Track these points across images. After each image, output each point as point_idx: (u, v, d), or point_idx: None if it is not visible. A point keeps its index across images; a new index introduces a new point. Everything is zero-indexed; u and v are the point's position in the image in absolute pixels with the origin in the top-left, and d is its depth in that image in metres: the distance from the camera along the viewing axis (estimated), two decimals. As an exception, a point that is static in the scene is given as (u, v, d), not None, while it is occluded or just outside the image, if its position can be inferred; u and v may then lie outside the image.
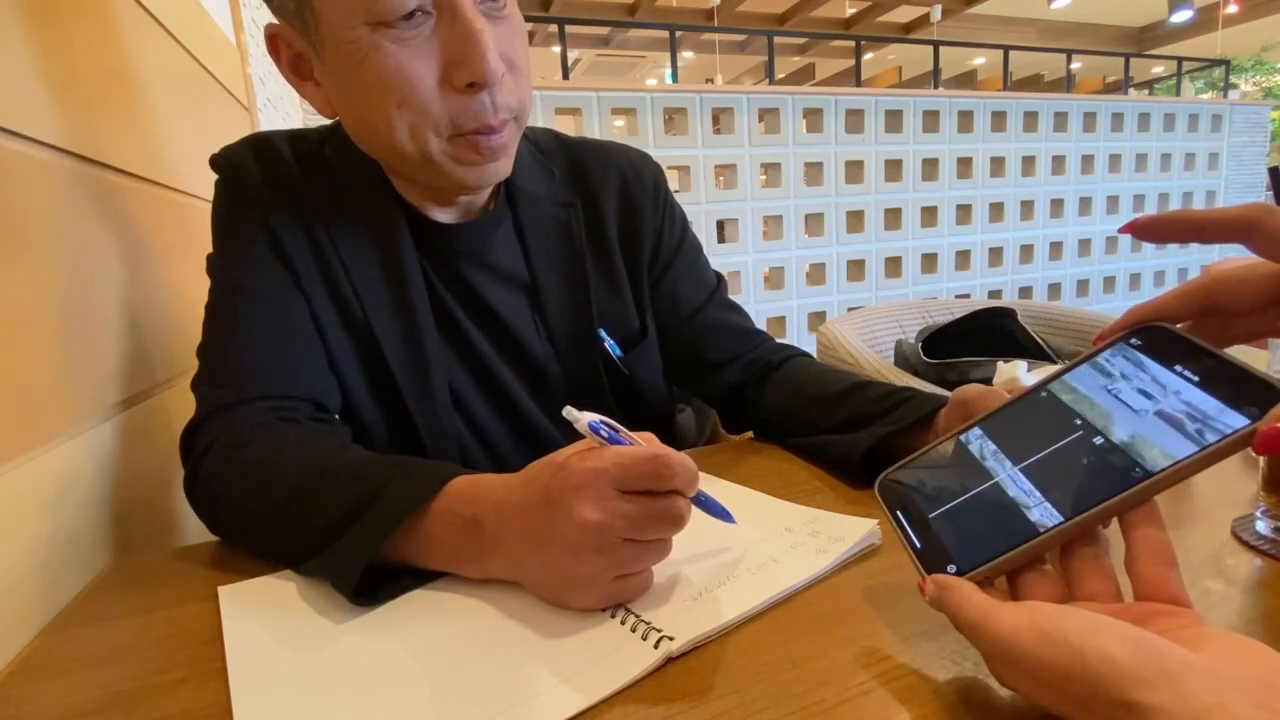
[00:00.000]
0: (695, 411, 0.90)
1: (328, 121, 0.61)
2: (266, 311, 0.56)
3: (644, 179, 0.69)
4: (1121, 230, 0.33)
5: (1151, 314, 0.33)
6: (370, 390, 0.60)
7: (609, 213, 0.67)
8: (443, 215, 0.61)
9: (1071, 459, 0.31)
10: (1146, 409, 0.30)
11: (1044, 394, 0.35)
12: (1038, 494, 0.31)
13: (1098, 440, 0.31)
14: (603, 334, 0.66)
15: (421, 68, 0.49)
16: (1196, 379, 0.29)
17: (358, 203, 0.59)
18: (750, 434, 0.71)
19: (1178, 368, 0.30)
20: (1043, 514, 0.30)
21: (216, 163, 0.60)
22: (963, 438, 0.37)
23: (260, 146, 0.60)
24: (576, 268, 0.65)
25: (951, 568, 0.31)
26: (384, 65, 0.49)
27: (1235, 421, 0.27)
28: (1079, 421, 0.32)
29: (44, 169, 0.54)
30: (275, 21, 0.53)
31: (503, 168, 0.56)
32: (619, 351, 0.67)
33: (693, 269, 0.73)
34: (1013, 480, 0.32)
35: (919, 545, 0.33)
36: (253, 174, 0.58)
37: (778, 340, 0.74)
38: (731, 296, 0.77)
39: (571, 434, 0.37)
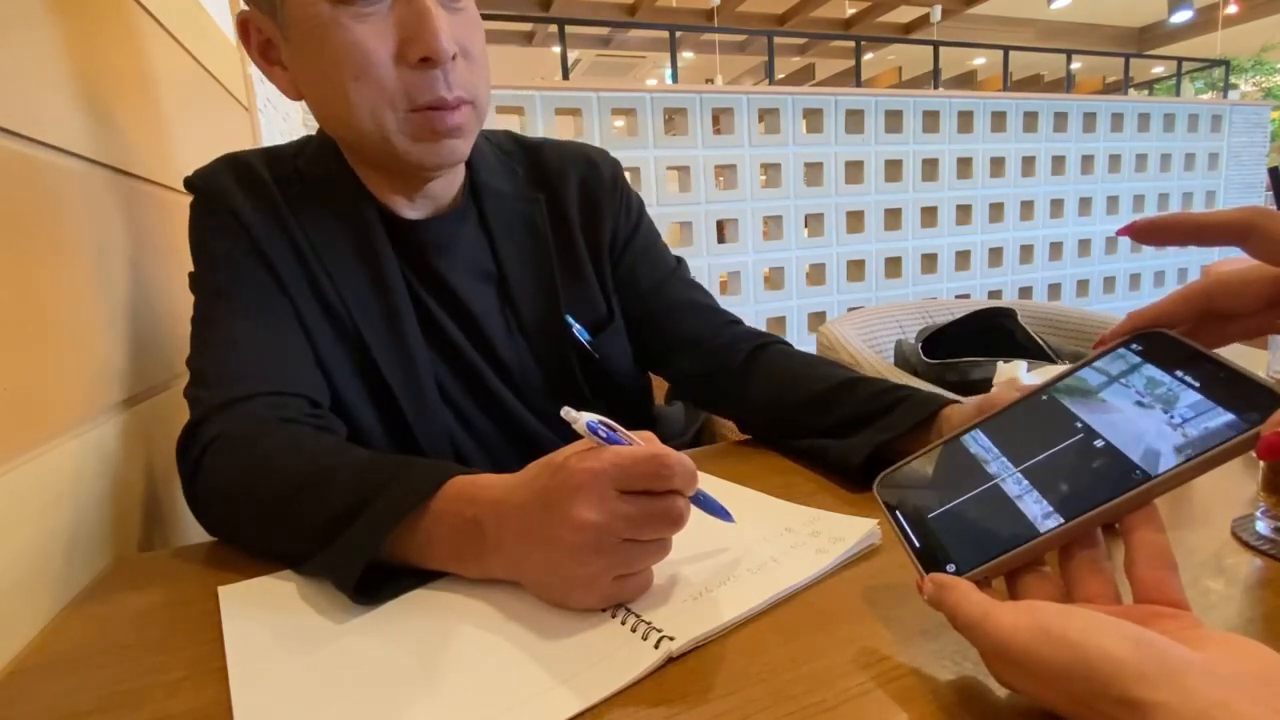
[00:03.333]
0: (684, 403, 0.90)
1: (299, 139, 0.65)
2: (254, 315, 0.57)
3: (602, 172, 0.71)
4: (1119, 233, 0.33)
5: (1151, 319, 0.33)
6: (362, 390, 0.61)
7: (570, 205, 0.69)
8: (411, 211, 0.63)
9: (1072, 461, 0.31)
10: (1147, 413, 0.30)
11: (1045, 397, 0.35)
12: (1038, 495, 0.31)
13: (1098, 443, 0.31)
14: (570, 320, 0.67)
15: (377, 44, 0.52)
16: (1197, 384, 0.29)
17: (333, 208, 0.61)
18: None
19: (1178, 373, 0.30)
20: (1043, 515, 0.30)
21: (192, 184, 0.61)
22: (963, 439, 0.37)
23: (235, 165, 0.61)
24: (542, 259, 0.67)
25: (950, 567, 0.31)
26: (342, 39, 0.51)
27: (1236, 427, 0.27)
28: (1079, 424, 0.32)
29: (48, 170, 0.54)
30: (246, 8, 0.56)
31: (459, 149, 0.57)
32: (587, 336, 0.68)
33: (650, 251, 0.74)
34: (1013, 482, 0.32)
35: (917, 544, 0.33)
36: (230, 191, 0.59)
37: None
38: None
39: (561, 427, 0.37)
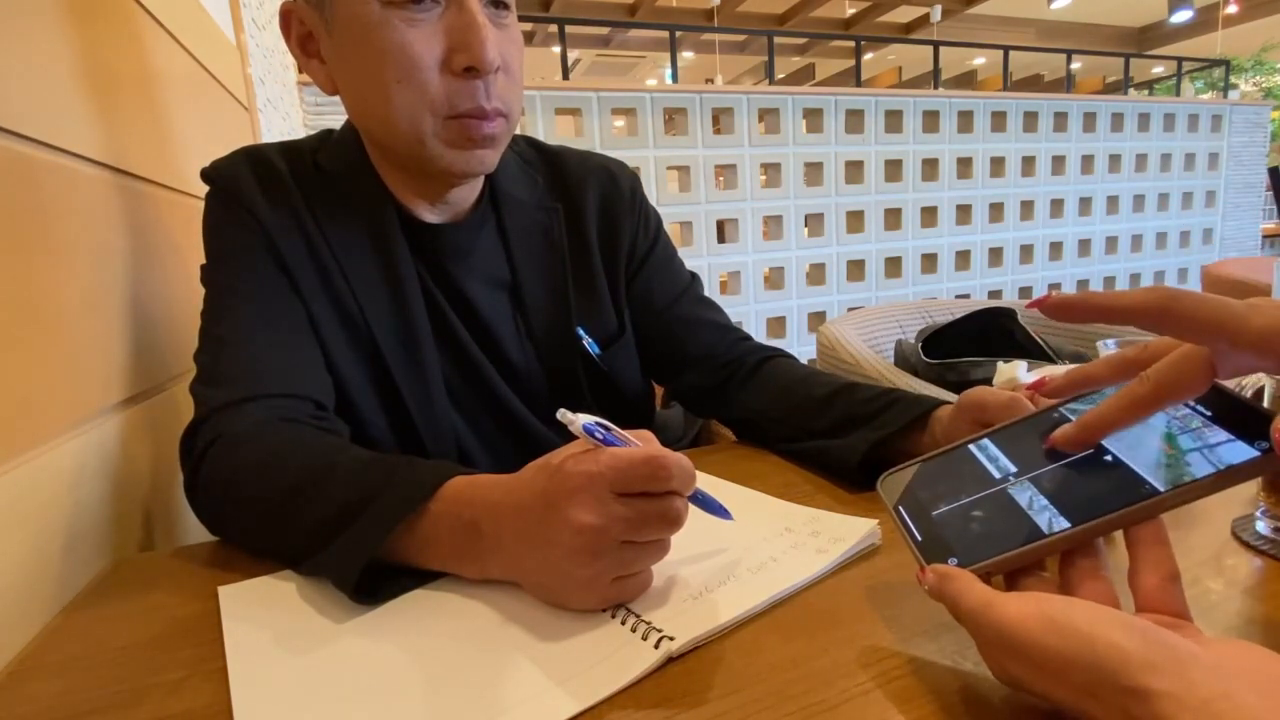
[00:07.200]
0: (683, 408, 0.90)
1: (317, 132, 0.65)
2: (265, 314, 0.57)
3: (621, 185, 0.72)
4: (1029, 306, 0.33)
5: (1084, 380, 0.34)
6: (370, 389, 0.61)
7: (589, 217, 0.69)
8: (431, 215, 0.63)
9: (1081, 473, 0.32)
10: (1159, 435, 0.31)
11: (1056, 414, 0.35)
12: (1045, 501, 0.31)
13: (1108, 459, 0.31)
14: (581, 333, 0.68)
15: (424, 49, 0.52)
16: (1209, 412, 0.30)
17: (352, 206, 0.61)
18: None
19: (1190, 400, 0.31)
20: (1049, 520, 0.30)
21: (209, 175, 0.60)
22: (970, 447, 0.37)
23: (253, 158, 0.61)
24: (557, 269, 0.67)
25: (953, 560, 0.31)
26: (389, 40, 0.52)
27: (1244, 452, 0.27)
28: None
29: (48, 170, 0.54)
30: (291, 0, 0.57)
31: (489, 159, 0.58)
32: (597, 349, 0.69)
33: (666, 267, 0.75)
34: (1021, 488, 0.33)
35: (919, 538, 0.34)
36: (248, 185, 0.59)
37: (770, 342, 0.75)
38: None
39: (565, 432, 0.37)
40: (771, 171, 2.97)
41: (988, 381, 0.61)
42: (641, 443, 0.37)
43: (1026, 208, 3.51)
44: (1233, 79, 8.21)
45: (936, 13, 8.85)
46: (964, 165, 3.31)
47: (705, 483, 0.43)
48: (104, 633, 0.41)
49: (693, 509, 0.38)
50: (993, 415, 0.44)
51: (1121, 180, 3.71)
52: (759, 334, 2.95)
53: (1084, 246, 3.68)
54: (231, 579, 0.45)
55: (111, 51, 0.69)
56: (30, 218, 0.51)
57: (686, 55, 10.16)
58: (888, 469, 0.39)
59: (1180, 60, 5.76)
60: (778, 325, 3.04)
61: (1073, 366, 0.34)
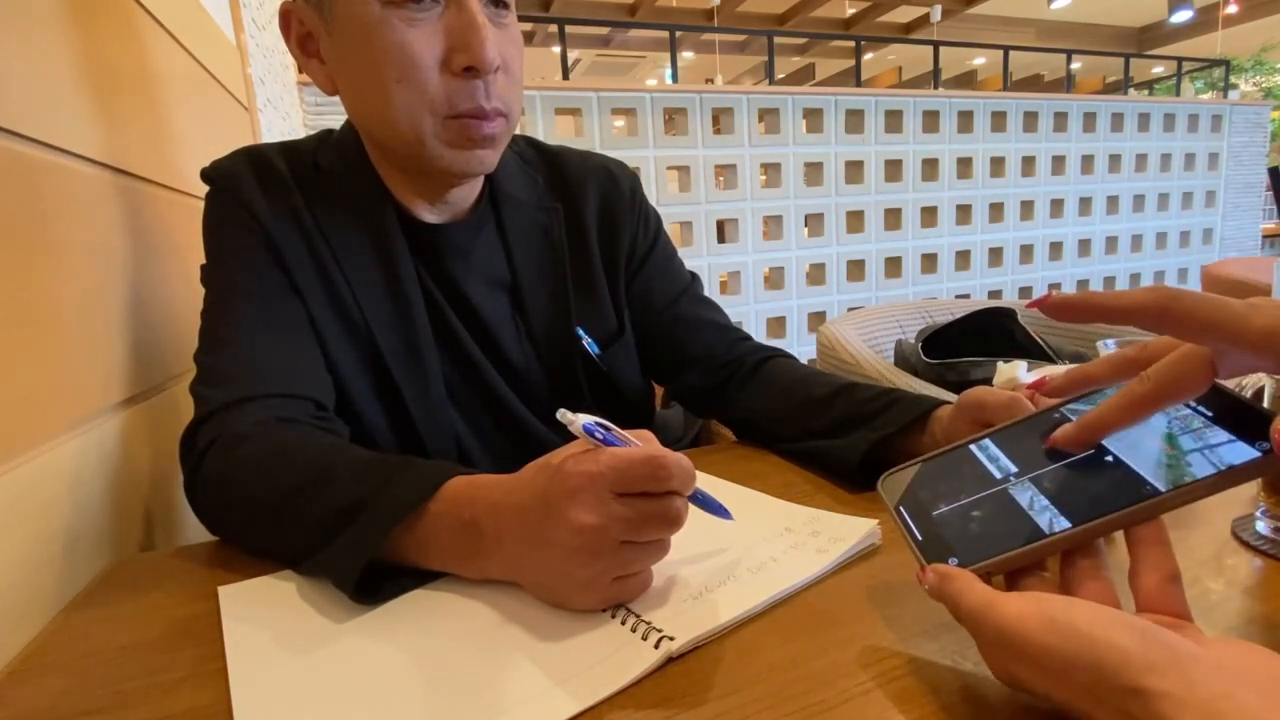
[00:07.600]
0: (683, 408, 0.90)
1: (317, 132, 0.65)
2: (265, 314, 0.57)
3: (621, 186, 0.72)
4: (1029, 306, 0.33)
5: (1084, 379, 0.35)
6: (370, 389, 0.61)
7: (589, 217, 0.69)
8: (430, 215, 0.63)
9: (1082, 473, 0.32)
10: (1159, 436, 0.31)
11: (1057, 415, 0.35)
12: (1046, 502, 0.31)
13: (1109, 459, 0.31)
14: (581, 333, 0.68)
15: (424, 48, 0.52)
16: (1210, 413, 0.30)
17: (351, 205, 0.61)
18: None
19: (1191, 401, 0.31)
20: (1050, 520, 0.30)
21: (209, 175, 0.60)
22: (971, 447, 0.37)
23: (253, 158, 0.61)
24: (557, 269, 0.67)
25: (953, 560, 0.31)
26: (389, 39, 0.52)
27: (1244, 453, 0.28)
28: None
29: (48, 170, 0.54)
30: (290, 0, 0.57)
31: (489, 159, 0.58)
32: (597, 350, 0.69)
33: (666, 267, 0.75)
34: (1022, 488, 0.33)
35: (920, 538, 0.34)
36: (247, 184, 0.59)
37: (770, 342, 0.75)
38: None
39: (565, 432, 0.37)
40: (771, 171, 2.97)
41: (988, 381, 0.61)
42: (641, 443, 0.37)
43: (1026, 208, 3.51)
44: (1233, 79, 8.22)
45: (936, 13, 8.85)
46: (964, 165, 3.31)
47: (705, 483, 0.43)
48: (104, 633, 0.41)
49: (693, 509, 0.38)
50: (993, 415, 0.44)
51: (1121, 180, 3.71)
52: (759, 334, 2.95)
53: (1084, 246, 3.68)
54: (231, 579, 0.45)
55: (111, 51, 0.69)
56: (30, 218, 0.51)
57: (686, 55, 10.16)
58: (888, 469, 0.39)
59: (1180, 60, 5.75)
60: (778, 325, 3.05)
61: (1073, 366, 0.34)
